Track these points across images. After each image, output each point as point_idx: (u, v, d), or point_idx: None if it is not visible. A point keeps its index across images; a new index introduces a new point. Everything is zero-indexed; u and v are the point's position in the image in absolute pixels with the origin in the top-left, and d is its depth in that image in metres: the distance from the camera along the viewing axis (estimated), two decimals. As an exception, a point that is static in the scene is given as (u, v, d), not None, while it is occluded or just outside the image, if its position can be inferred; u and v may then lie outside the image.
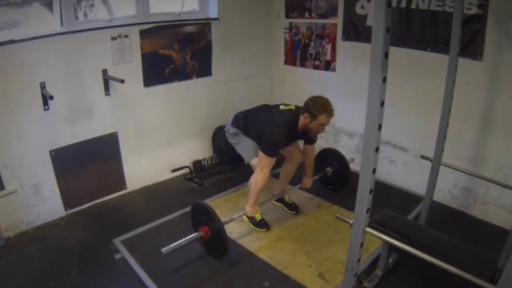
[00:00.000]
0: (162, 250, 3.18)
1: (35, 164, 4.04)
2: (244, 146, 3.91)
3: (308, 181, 4.24)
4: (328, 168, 4.63)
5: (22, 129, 3.88)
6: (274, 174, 4.32)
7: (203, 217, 3.46)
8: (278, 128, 3.59)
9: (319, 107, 3.57)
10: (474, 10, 3.75)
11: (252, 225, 3.98)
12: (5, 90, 3.71)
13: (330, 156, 4.67)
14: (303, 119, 3.64)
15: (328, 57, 5.23)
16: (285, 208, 4.30)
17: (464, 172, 3.71)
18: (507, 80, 3.68)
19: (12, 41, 3.70)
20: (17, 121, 3.84)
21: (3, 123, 3.76)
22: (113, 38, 4.37)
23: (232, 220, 3.71)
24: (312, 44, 5.39)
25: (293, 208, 4.27)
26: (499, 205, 3.96)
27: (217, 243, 3.41)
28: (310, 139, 3.96)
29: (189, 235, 3.42)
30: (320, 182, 4.72)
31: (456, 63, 3.19)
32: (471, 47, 3.82)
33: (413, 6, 4.21)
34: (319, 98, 3.63)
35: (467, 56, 3.81)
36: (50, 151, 4.10)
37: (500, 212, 3.97)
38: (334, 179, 4.65)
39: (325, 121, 3.59)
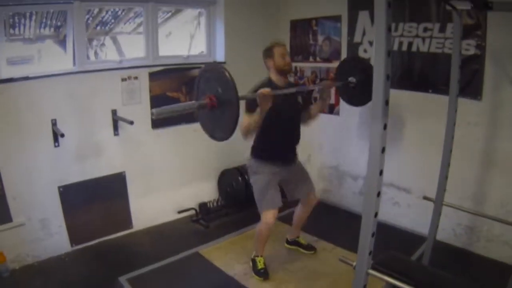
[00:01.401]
0: (153, 111, 2.60)
1: (44, 199, 4.10)
2: (260, 191, 3.75)
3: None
4: (351, 78, 3.94)
5: (32, 164, 3.97)
6: (281, 217, 4.33)
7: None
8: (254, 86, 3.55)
9: (269, 46, 3.71)
10: (472, 51, 3.88)
11: (252, 271, 3.95)
12: (17, 124, 3.83)
13: (354, 65, 4.06)
14: (269, 67, 3.72)
15: (332, 101, 5.32)
16: (301, 250, 4.29)
17: (467, 211, 3.73)
18: (507, 118, 3.77)
19: (26, 78, 3.84)
20: (28, 155, 3.93)
21: (14, 156, 3.86)
22: (123, 79, 4.49)
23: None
24: (316, 88, 5.49)
25: (310, 248, 4.28)
26: (503, 242, 3.95)
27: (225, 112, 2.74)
28: (306, 102, 3.95)
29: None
30: (341, 95, 4.32)
31: (456, 104, 3.25)
32: (471, 87, 3.92)
33: (413, 49, 4.35)
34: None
35: (467, 96, 3.90)
36: (59, 187, 4.17)
37: (504, 249, 3.95)
38: (357, 91, 3.98)
39: (281, 51, 3.65)
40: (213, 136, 2.90)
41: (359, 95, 3.97)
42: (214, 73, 2.80)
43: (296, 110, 3.78)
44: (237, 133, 5.08)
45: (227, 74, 2.66)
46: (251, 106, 3.33)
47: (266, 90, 3.13)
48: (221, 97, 2.67)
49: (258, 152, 3.72)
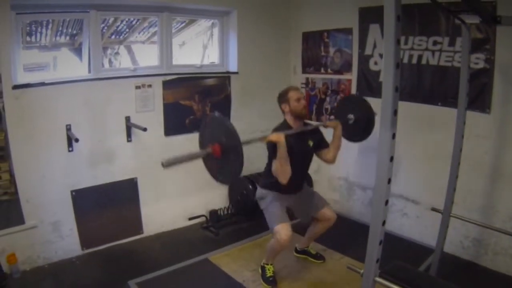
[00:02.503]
0: (162, 161, 2.89)
1: (56, 202, 4.17)
2: (271, 211, 3.77)
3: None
4: (350, 115, 4.16)
5: (46, 168, 4.06)
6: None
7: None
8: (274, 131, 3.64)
9: (284, 91, 3.77)
10: (481, 65, 3.92)
11: (261, 278, 3.96)
12: (33, 129, 3.93)
13: (351, 104, 4.30)
14: (285, 111, 3.77)
15: (342, 113, 5.35)
16: (311, 259, 4.30)
17: (475, 224, 3.75)
18: (515, 131, 3.83)
19: (42, 83, 3.94)
20: (42, 159, 4.03)
21: (29, 160, 3.95)
22: (137, 87, 4.58)
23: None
24: (327, 99, 5.55)
25: (319, 257, 4.28)
26: (510, 255, 3.95)
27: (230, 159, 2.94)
28: (321, 144, 3.95)
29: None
30: (345, 137, 4.24)
31: (464, 117, 3.27)
32: (480, 100, 3.95)
33: (423, 62, 4.39)
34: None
35: (475, 109, 3.93)
36: (71, 191, 4.25)
37: (511, 263, 3.95)
38: (357, 127, 4.18)
39: (296, 95, 3.71)
40: (216, 178, 3.12)
41: (359, 131, 4.18)
42: (215, 122, 3.03)
43: (307, 152, 3.85)
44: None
45: (230, 126, 2.89)
46: (273, 152, 3.49)
47: (274, 135, 3.39)
48: (226, 146, 2.89)
49: (267, 184, 3.80)
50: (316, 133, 3.92)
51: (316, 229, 4.11)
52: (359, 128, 4.16)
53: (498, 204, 4.00)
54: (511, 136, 3.84)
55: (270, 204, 3.76)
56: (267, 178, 3.79)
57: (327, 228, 4.05)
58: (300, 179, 3.88)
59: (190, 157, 3.05)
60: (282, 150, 3.37)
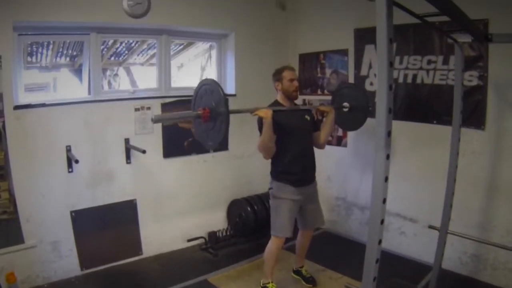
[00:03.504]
0: (152, 117, 2.95)
1: (56, 222, 4.18)
2: (276, 216, 3.81)
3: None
4: (345, 103, 4.19)
5: (46, 188, 4.08)
6: (289, 247, 4.41)
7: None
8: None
9: (280, 69, 3.85)
10: (475, 82, 3.99)
11: None
12: (33, 149, 3.97)
13: (348, 91, 4.25)
14: (277, 90, 3.84)
15: (340, 133, 5.41)
16: (303, 282, 4.28)
17: (472, 239, 3.77)
18: (510, 147, 3.86)
19: (43, 104, 4.00)
20: (42, 179, 4.05)
21: (29, 179, 3.97)
22: (137, 109, 4.63)
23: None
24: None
25: (310, 281, 4.25)
26: (509, 269, 3.95)
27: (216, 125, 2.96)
28: (315, 125, 4.00)
29: None
30: (337, 123, 4.40)
31: (459, 134, 3.32)
32: (474, 117, 4.01)
33: (418, 81, 4.47)
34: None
35: (471, 126, 3.99)
36: (71, 212, 4.25)
37: (510, 277, 3.95)
38: (351, 116, 4.21)
39: (290, 75, 3.78)
40: (206, 144, 3.16)
41: (352, 120, 4.22)
42: (210, 88, 3.00)
43: (305, 127, 3.88)
44: (246, 165, 5.18)
45: (220, 90, 2.91)
46: (260, 127, 3.56)
47: (262, 110, 3.39)
48: (215, 110, 2.91)
49: (277, 174, 3.80)
50: (310, 112, 3.99)
51: (302, 240, 4.18)
52: (352, 117, 4.20)
53: (496, 219, 4.03)
54: (507, 152, 3.89)
55: (280, 207, 3.77)
56: (275, 166, 3.82)
57: (311, 237, 4.16)
58: (308, 160, 3.88)
59: (180, 117, 3.17)
60: (266, 127, 3.42)
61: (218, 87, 2.93)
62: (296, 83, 3.83)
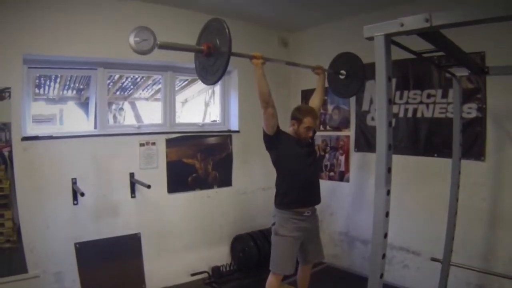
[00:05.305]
0: (157, 42, 3.00)
1: (60, 253, 4.17)
2: (277, 252, 3.81)
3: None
4: (342, 71, 4.44)
5: (51, 219, 4.11)
6: (292, 282, 4.40)
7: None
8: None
9: (304, 111, 3.84)
10: (474, 114, 4.06)
11: None
12: (40, 180, 4.03)
13: (346, 60, 4.48)
14: (291, 127, 3.88)
15: (342, 168, 5.45)
16: None
17: (475, 270, 3.77)
18: (511, 176, 3.90)
19: (50, 137, 4.08)
20: (47, 210, 4.09)
21: (35, 210, 4.01)
22: (142, 145, 4.71)
23: None
24: (327, 156, 5.65)
25: None
26: (515, 298, 3.94)
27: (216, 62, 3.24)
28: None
29: None
30: (329, 84, 4.63)
31: (459, 166, 3.38)
32: (474, 148, 4.07)
33: (418, 115, 4.54)
34: (303, 105, 3.99)
35: (471, 158, 4.04)
36: (75, 244, 4.26)
37: (516, 304, 3.94)
38: (346, 84, 4.48)
39: (310, 123, 3.76)
40: (205, 79, 3.49)
41: (346, 87, 4.49)
42: (217, 26, 3.21)
43: (310, 154, 3.93)
44: (249, 201, 5.18)
45: (227, 30, 3.08)
46: (267, 145, 3.89)
47: (258, 54, 3.77)
48: (218, 48, 3.17)
49: (281, 198, 3.80)
50: (313, 145, 4.07)
51: (302, 278, 4.14)
52: (346, 85, 4.47)
53: (498, 249, 4.02)
54: (507, 182, 3.93)
55: (281, 244, 3.76)
56: (278, 196, 3.83)
57: (309, 272, 4.13)
58: (312, 182, 3.88)
59: (183, 47, 3.27)
60: (257, 71, 3.75)
61: (226, 30, 3.09)
62: (311, 133, 3.88)
